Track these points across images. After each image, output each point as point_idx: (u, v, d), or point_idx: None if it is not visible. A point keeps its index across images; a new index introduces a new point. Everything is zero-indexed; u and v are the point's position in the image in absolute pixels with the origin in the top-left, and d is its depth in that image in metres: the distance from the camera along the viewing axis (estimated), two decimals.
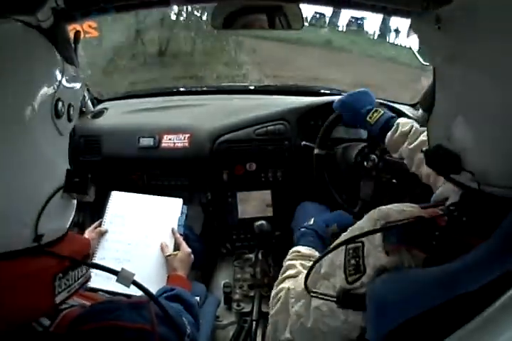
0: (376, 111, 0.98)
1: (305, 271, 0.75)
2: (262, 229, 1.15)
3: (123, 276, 0.59)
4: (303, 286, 0.63)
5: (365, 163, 1.16)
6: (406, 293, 0.48)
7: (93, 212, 1.13)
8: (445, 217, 0.52)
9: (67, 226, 0.56)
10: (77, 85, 0.56)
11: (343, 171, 1.25)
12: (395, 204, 0.57)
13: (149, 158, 1.37)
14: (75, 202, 0.58)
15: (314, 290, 0.60)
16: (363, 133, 1.39)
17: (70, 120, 0.53)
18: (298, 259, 0.84)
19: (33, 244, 0.49)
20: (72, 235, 0.58)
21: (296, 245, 0.93)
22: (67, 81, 0.53)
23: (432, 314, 0.45)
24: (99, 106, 1.53)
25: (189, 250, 1.03)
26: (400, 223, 0.52)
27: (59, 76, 0.51)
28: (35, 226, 0.48)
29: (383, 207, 0.57)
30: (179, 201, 1.13)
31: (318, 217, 1.07)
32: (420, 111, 1.47)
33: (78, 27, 1.27)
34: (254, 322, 1.15)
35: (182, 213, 1.11)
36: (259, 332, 1.14)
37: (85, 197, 0.55)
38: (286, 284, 0.75)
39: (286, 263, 0.84)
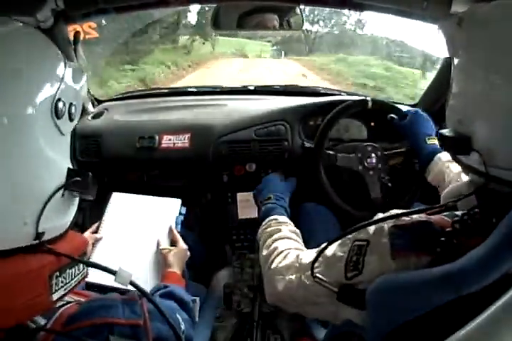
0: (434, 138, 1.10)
1: (296, 239, 0.80)
2: None
3: (121, 276, 0.59)
4: (308, 261, 0.65)
5: (366, 164, 1.16)
6: (407, 294, 0.48)
7: (93, 213, 1.13)
8: (450, 222, 0.52)
9: (69, 224, 0.57)
10: (79, 85, 0.56)
11: (343, 172, 1.25)
12: (403, 211, 0.57)
13: (149, 159, 1.37)
14: (77, 200, 0.58)
15: (319, 276, 0.60)
16: (363, 134, 1.40)
17: (71, 120, 0.54)
18: (279, 225, 0.84)
19: (33, 242, 0.49)
20: (72, 233, 0.58)
21: (268, 215, 0.90)
22: (68, 81, 0.53)
23: (432, 315, 0.45)
24: (99, 107, 1.53)
25: (185, 246, 1.03)
26: (405, 225, 0.53)
27: (60, 76, 0.52)
28: (36, 224, 0.48)
29: (392, 211, 0.58)
30: (178, 201, 1.13)
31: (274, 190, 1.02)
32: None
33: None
34: (254, 323, 1.15)
35: (180, 214, 1.11)
36: (259, 333, 1.14)
37: (87, 196, 0.56)
38: (282, 245, 0.76)
39: (267, 231, 0.84)
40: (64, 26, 1.17)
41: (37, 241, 0.49)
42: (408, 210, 0.56)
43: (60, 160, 0.53)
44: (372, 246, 0.54)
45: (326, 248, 0.62)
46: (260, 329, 1.15)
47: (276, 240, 0.80)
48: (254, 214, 1.36)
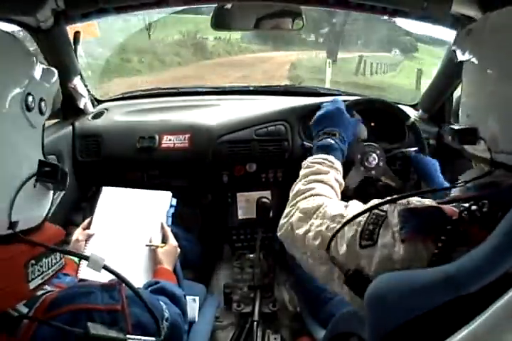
0: None
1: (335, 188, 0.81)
2: (264, 204, 1.28)
3: (93, 261, 0.60)
4: (333, 214, 0.66)
5: (367, 163, 1.16)
6: (407, 294, 0.48)
7: (93, 212, 1.12)
8: (458, 212, 0.53)
9: (44, 216, 0.58)
10: (49, 82, 0.58)
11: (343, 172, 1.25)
12: (415, 198, 0.59)
13: (149, 159, 1.37)
14: (51, 193, 0.59)
15: (334, 254, 0.62)
16: (363, 133, 1.40)
17: (41, 113, 0.56)
18: (331, 168, 0.84)
19: (7, 232, 0.50)
20: (48, 225, 0.59)
21: (327, 151, 0.88)
22: (37, 77, 0.55)
23: (432, 315, 0.45)
24: (99, 107, 1.53)
25: (176, 243, 1.02)
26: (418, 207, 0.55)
27: (29, 72, 0.54)
28: (8, 213, 0.49)
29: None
30: (168, 194, 1.12)
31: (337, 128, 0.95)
32: (420, 111, 1.48)
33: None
34: (254, 323, 1.15)
35: (171, 206, 1.11)
36: (259, 333, 1.14)
37: (59, 187, 0.57)
38: (321, 189, 0.77)
39: (315, 166, 0.83)
40: (64, 26, 1.17)
41: (11, 232, 0.50)
42: (420, 190, 0.57)
43: (30, 153, 0.54)
44: (388, 222, 0.56)
45: (349, 222, 0.62)
46: (260, 329, 1.15)
47: (318, 181, 0.80)
48: (254, 215, 1.37)
